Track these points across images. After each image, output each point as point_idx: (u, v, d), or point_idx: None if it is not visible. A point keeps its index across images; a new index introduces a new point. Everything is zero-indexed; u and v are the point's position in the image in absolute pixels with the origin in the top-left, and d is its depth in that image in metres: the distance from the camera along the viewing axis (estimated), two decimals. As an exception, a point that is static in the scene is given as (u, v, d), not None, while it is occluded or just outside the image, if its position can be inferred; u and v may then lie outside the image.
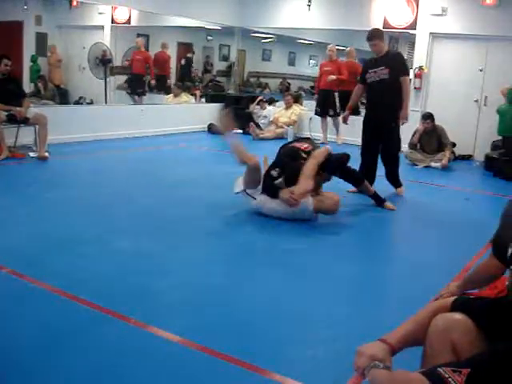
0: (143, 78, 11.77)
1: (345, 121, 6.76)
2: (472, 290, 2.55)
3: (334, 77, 10.18)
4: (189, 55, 13.44)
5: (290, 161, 5.11)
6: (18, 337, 2.72)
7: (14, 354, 2.56)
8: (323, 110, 10.43)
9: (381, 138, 6.30)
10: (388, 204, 5.71)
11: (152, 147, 9.04)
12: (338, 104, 10.38)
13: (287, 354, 2.76)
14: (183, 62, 13.40)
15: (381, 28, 10.27)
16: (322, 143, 9.97)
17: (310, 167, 4.92)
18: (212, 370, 2.55)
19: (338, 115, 10.32)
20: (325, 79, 10.32)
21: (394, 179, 6.50)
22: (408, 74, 6.22)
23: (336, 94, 10.38)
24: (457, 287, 2.51)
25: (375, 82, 6.12)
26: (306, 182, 4.84)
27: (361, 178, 5.71)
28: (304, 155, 5.09)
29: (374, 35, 6.13)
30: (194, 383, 2.45)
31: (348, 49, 11.51)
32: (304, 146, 5.24)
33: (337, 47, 10.75)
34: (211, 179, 6.62)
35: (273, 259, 4.17)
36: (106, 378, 2.43)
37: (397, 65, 6.11)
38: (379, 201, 5.71)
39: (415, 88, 10.09)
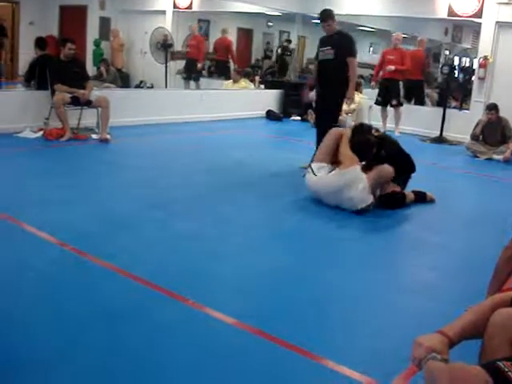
0: (197, 62, 11.85)
1: (307, 98, 6.84)
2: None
3: (393, 67, 9.95)
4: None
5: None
6: (77, 314, 2.80)
7: (71, 331, 2.63)
8: (384, 99, 10.24)
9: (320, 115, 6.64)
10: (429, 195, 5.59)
11: (210, 132, 9.11)
12: (402, 94, 10.21)
13: (341, 341, 2.76)
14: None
15: (445, 16, 10.14)
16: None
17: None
18: (265, 353, 2.58)
19: (401, 105, 10.17)
20: (385, 68, 10.10)
21: None
22: (354, 56, 6.34)
23: (401, 84, 10.18)
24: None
25: (323, 60, 6.33)
26: None
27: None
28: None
29: (328, 16, 6.30)
30: (246, 365, 2.48)
31: (420, 38, 11.31)
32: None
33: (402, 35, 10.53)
34: (268, 165, 6.63)
35: (328, 246, 4.17)
36: (160, 357, 2.48)
37: (343, 46, 6.27)
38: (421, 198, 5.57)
39: (479, 78, 9.86)
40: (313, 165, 5.18)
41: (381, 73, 10.31)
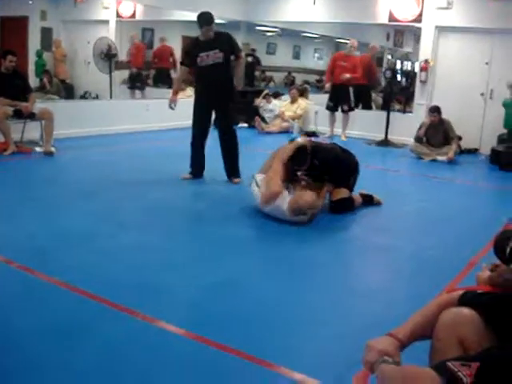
0: (141, 71, 11.79)
1: (172, 105, 6.40)
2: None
3: (348, 76, 10.02)
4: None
5: None
6: (25, 332, 2.74)
7: (21, 349, 2.57)
8: (336, 104, 10.34)
9: (216, 121, 6.41)
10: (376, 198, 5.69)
11: (157, 142, 9.04)
12: (352, 99, 10.35)
13: (295, 348, 2.77)
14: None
15: (387, 22, 10.33)
16: (329, 137, 9.95)
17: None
18: (219, 364, 2.56)
19: (353, 110, 10.30)
20: (338, 74, 10.15)
21: (235, 167, 6.41)
22: (241, 51, 6.55)
23: (350, 89, 10.30)
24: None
25: (208, 65, 6.10)
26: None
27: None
28: None
29: (213, 19, 6.07)
30: (200, 377, 2.47)
31: (371, 45, 11.50)
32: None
33: (343, 41, 10.66)
34: (218, 174, 6.60)
35: (276, 255, 4.18)
36: (113, 372, 2.44)
37: (231, 46, 6.26)
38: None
39: (421, 81, 10.08)
40: (256, 176, 5.20)
41: (332, 78, 10.35)
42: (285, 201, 4.77)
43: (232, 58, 6.23)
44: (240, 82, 6.42)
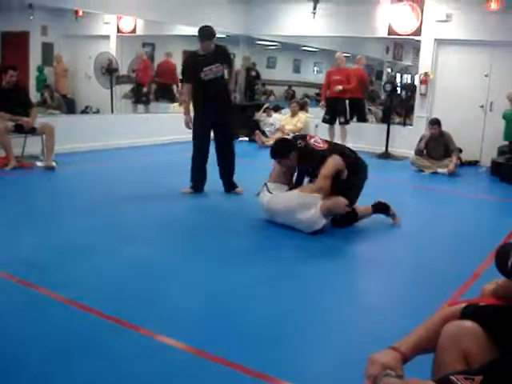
0: (143, 87, 11.84)
1: (190, 125, 6.27)
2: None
3: (340, 87, 10.09)
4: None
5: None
6: (27, 347, 2.73)
7: (23, 365, 2.56)
8: (332, 117, 10.38)
9: (216, 135, 6.39)
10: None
11: (158, 156, 9.07)
12: (347, 111, 10.39)
13: (297, 361, 2.75)
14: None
15: (386, 35, 10.38)
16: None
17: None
18: (221, 379, 2.56)
19: (348, 123, 10.33)
20: (333, 88, 10.23)
21: (231, 179, 6.45)
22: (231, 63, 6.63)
23: (346, 102, 10.36)
24: None
25: (211, 79, 6.11)
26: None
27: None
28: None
29: (215, 34, 6.11)
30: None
31: (358, 57, 11.55)
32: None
33: (343, 54, 10.72)
34: (218, 187, 6.58)
35: (279, 268, 4.18)
36: (116, 388, 2.44)
37: (229, 59, 6.41)
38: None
39: (421, 94, 10.11)
40: (268, 184, 5.22)
41: (328, 92, 10.43)
42: (310, 207, 4.82)
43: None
44: (233, 87, 6.52)
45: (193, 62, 6.23)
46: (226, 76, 6.41)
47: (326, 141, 5.56)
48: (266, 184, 5.25)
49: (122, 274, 3.79)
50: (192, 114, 6.26)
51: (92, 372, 2.54)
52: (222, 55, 6.20)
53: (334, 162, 4.97)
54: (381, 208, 5.42)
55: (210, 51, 6.06)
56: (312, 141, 5.25)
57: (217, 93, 6.14)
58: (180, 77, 6.68)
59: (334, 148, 5.35)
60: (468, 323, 1.82)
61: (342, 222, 5.14)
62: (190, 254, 4.35)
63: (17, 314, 3.11)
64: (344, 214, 5.05)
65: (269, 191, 5.16)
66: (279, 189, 5.18)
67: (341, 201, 4.89)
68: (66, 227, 4.81)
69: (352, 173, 5.14)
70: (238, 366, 2.63)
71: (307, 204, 4.85)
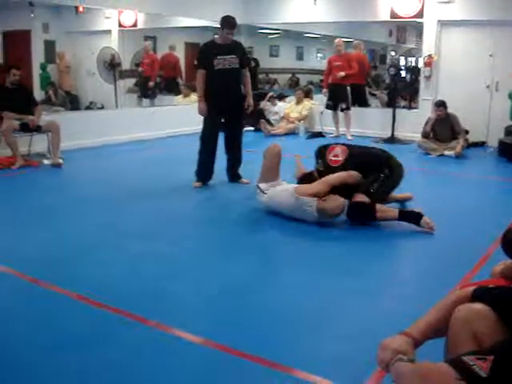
0: (150, 81, 11.81)
1: (204, 113, 6.18)
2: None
3: (343, 73, 10.08)
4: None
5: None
6: (37, 343, 2.75)
7: (36, 360, 2.58)
8: (335, 103, 10.37)
9: (226, 126, 6.37)
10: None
11: (165, 149, 9.07)
12: (349, 97, 10.36)
13: (308, 350, 2.76)
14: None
15: (388, 19, 10.31)
16: (336, 137, 9.98)
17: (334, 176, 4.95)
18: (233, 369, 2.57)
19: (349, 109, 10.30)
20: (335, 74, 10.21)
21: (237, 171, 6.49)
22: (250, 65, 6.47)
23: (348, 88, 10.33)
24: None
25: (225, 69, 6.08)
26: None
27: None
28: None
29: (236, 24, 6.11)
30: (216, 382, 2.47)
31: (355, 42, 11.48)
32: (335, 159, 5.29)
33: (344, 40, 10.67)
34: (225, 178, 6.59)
35: (289, 257, 4.18)
36: (130, 381, 2.44)
37: (243, 55, 6.33)
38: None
39: (425, 77, 10.05)
40: (260, 185, 5.21)
41: (330, 78, 10.41)
42: (305, 209, 4.79)
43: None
44: (250, 93, 6.30)
45: (208, 49, 6.22)
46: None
47: (348, 147, 5.44)
48: (257, 186, 5.23)
49: (131, 269, 3.81)
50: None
51: (106, 366, 2.55)
52: (238, 49, 6.22)
53: (345, 175, 4.96)
54: (409, 217, 4.80)
55: (227, 42, 6.08)
56: (330, 156, 5.31)
57: (228, 84, 6.13)
58: (193, 64, 6.53)
59: (352, 155, 5.32)
60: (478, 305, 1.81)
61: (355, 213, 4.83)
62: (199, 247, 4.36)
63: (27, 311, 3.12)
64: (361, 205, 4.89)
65: (263, 192, 5.16)
66: (272, 186, 5.14)
67: (339, 201, 4.78)
68: (75, 223, 4.84)
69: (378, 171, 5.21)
70: (251, 356, 2.63)
71: (303, 206, 4.80)
